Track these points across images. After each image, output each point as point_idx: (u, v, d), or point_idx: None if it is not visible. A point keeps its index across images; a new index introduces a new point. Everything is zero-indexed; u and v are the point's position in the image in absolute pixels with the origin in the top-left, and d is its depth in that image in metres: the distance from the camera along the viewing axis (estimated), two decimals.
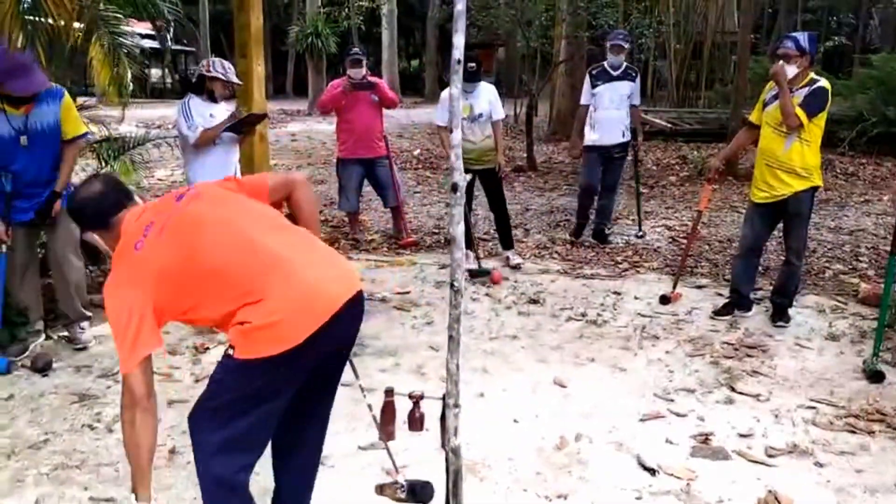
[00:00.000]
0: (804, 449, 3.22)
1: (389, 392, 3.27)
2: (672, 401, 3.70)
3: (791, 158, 4.44)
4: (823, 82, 4.43)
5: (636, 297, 5.31)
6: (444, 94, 6.00)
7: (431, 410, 3.31)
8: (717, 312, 4.89)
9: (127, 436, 2.21)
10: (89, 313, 4.50)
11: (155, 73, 30.77)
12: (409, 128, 16.89)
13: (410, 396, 3.28)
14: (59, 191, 4.24)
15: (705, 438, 3.31)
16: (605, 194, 6.83)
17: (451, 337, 1.73)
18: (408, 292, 5.41)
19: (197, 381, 3.91)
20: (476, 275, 5.74)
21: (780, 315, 4.75)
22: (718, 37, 18.96)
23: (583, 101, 6.75)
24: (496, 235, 6.49)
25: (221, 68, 5.10)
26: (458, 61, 1.58)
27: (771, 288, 5.02)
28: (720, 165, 5.09)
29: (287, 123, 18.55)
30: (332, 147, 13.74)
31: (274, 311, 2.04)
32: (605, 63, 6.63)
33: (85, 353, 4.27)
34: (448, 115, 5.14)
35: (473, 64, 5.85)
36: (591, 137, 6.64)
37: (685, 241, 6.15)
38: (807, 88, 4.39)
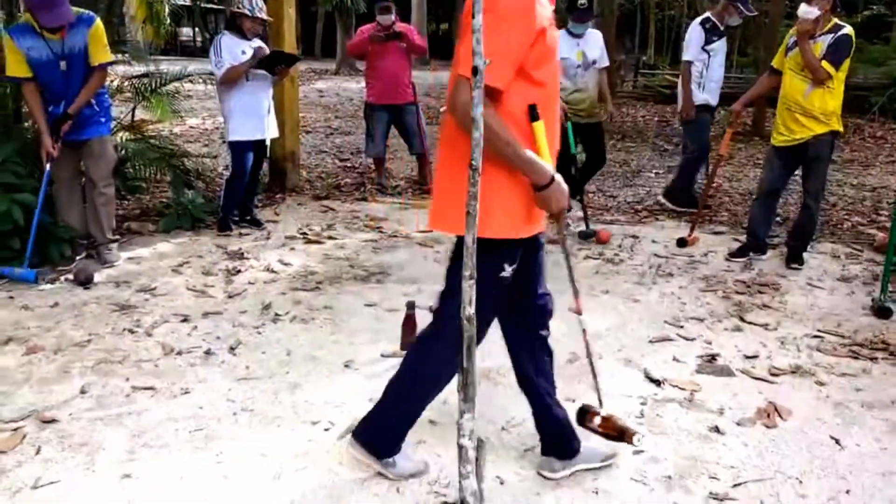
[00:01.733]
0: (807, 370, 3.36)
1: (411, 305, 3.45)
2: (682, 327, 3.85)
3: (812, 103, 4.51)
4: (847, 29, 4.47)
5: (654, 241, 5.43)
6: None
7: None
8: (733, 254, 5.00)
9: (496, 139, 2.03)
10: (116, 236, 4.77)
11: (185, 31, 30.93)
12: (437, 87, 16.95)
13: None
14: (72, 113, 4.36)
15: (711, 358, 3.46)
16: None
17: (468, 213, 1.85)
18: (431, 232, 5.57)
19: (230, 297, 4.12)
20: (585, 236, 5.43)
21: (794, 258, 4.85)
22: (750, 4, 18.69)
23: (690, 56, 5.96)
24: None
25: (249, 4, 5.17)
26: None
27: (787, 235, 5.11)
28: (740, 108, 5.16)
29: (315, 81, 18.68)
30: (358, 103, 13.88)
31: None
32: (714, 16, 5.99)
33: (123, 270, 4.50)
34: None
35: (584, 2, 5.37)
36: (700, 97, 6.01)
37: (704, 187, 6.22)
38: (830, 36, 4.44)
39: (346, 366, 3.31)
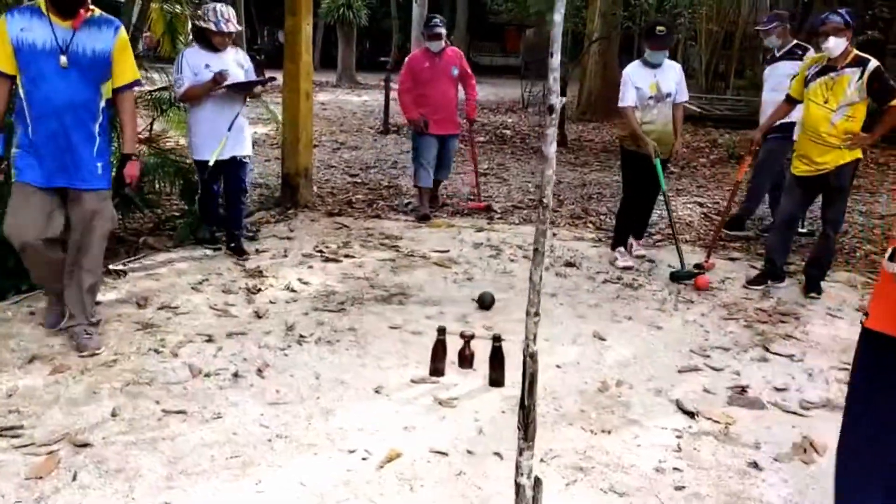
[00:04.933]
0: (838, 404, 3.35)
1: (441, 331, 3.43)
2: (708, 356, 3.84)
3: (836, 134, 4.53)
4: (874, 61, 4.49)
5: (670, 266, 5.42)
6: (629, 70, 5.22)
7: (480, 353, 3.49)
8: (751, 282, 5.01)
9: None
10: (97, 319, 3.77)
11: None
12: None
13: (462, 336, 3.44)
14: (130, 152, 3.69)
15: (742, 390, 3.45)
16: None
17: (536, 250, 1.84)
18: (447, 251, 5.57)
19: (253, 317, 4.09)
20: (679, 278, 4.99)
21: (812, 287, 4.86)
22: (750, 27, 18.85)
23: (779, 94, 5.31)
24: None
25: (214, 16, 4.70)
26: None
27: (803, 262, 5.13)
28: (760, 137, 5.18)
29: (316, 94, 18.67)
30: (362, 117, 13.92)
31: None
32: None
33: (143, 287, 4.45)
34: (632, 95, 5.13)
35: (663, 28, 5.11)
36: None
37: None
38: (858, 69, 4.45)
39: (377, 391, 3.28)
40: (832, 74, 4.57)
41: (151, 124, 5.55)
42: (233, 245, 5.18)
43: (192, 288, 4.48)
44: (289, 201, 6.63)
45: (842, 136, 4.54)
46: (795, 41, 6.02)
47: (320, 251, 5.39)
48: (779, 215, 5.05)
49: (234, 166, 5.08)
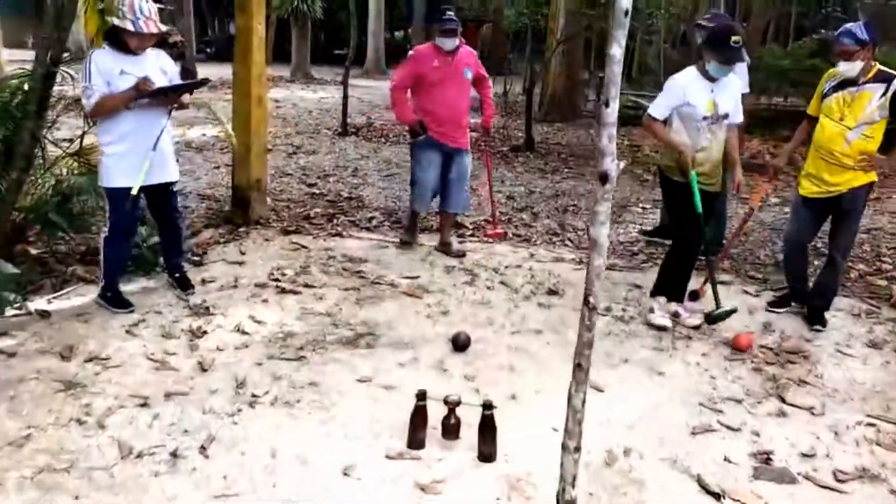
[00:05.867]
0: (875, 473, 2.94)
1: (421, 396, 2.92)
2: (721, 412, 3.40)
3: (851, 154, 4.14)
4: None
5: None
6: (682, 81, 4.19)
7: (467, 417, 2.97)
8: (773, 304, 4.73)
9: None
10: None
11: None
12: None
13: (446, 402, 2.93)
14: None
15: (767, 458, 3.01)
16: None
17: (578, 365, 1.37)
18: (417, 277, 5.04)
19: (196, 370, 3.51)
20: (716, 319, 4.33)
21: (817, 319, 4.47)
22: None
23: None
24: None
25: (131, 12, 3.85)
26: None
27: (808, 294, 4.74)
28: (784, 164, 4.76)
29: (269, 90, 17.93)
30: (318, 116, 13.27)
31: None
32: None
33: (68, 332, 3.84)
34: (667, 108, 4.08)
35: (739, 38, 4.07)
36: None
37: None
38: (882, 85, 4.05)
39: (346, 473, 2.76)
40: (851, 90, 4.17)
41: (82, 137, 4.88)
42: (176, 276, 4.51)
43: (127, 332, 3.88)
44: (240, 218, 6.02)
45: (857, 156, 4.15)
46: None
47: (276, 279, 4.82)
48: (787, 242, 4.66)
49: (162, 195, 4.26)
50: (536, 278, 5.10)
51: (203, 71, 17.88)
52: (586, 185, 8.42)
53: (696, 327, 4.37)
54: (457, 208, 5.61)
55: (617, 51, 1.19)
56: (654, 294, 4.53)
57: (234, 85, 5.98)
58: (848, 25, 4.25)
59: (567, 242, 6.15)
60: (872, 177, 4.23)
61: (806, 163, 4.45)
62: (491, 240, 6.00)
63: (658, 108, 4.21)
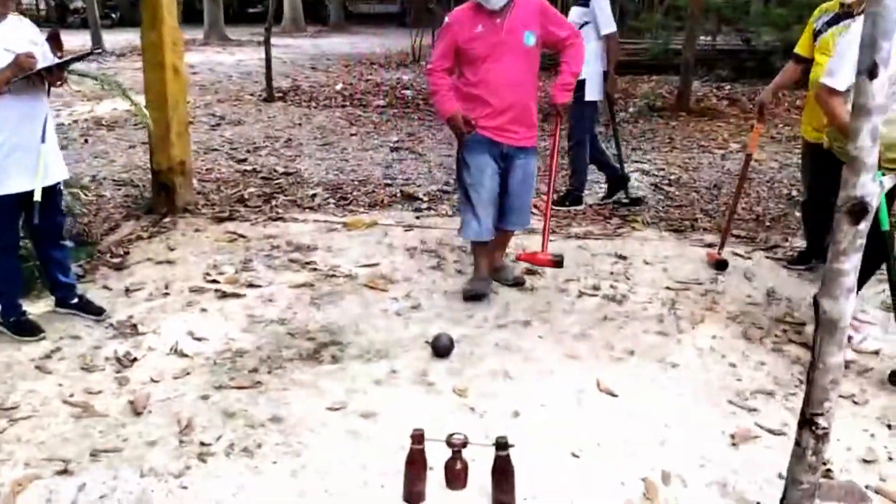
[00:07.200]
0: None
1: (418, 438, 2.35)
2: (755, 410, 2.94)
3: None
4: None
5: (646, 262, 4.53)
6: (855, 30, 2.91)
7: (473, 452, 2.41)
8: (793, 261, 4.42)
9: None
10: None
11: None
12: (321, 59, 15.48)
13: (449, 443, 2.37)
14: None
15: (827, 471, 2.56)
16: None
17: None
18: (376, 264, 4.43)
19: (137, 412, 2.84)
20: None
21: None
22: None
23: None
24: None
25: None
26: None
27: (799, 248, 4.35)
28: (769, 99, 4.31)
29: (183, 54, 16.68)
30: (239, 81, 12.28)
31: None
32: None
33: None
34: (853, 70, 2.62)
35: None
36: None
37: (667, 188, 5.39)
38: None
39: None
40: (847, 22, 3.73)
41: None
42: (74, 302, 3.64)
43: (38, 367, 3.17)
44: (164, 206, 5.26)
45: None
46: None
47: (213, 280, 4.14)
48: (807, 190, 4.33)
49: (50, 195, 3.37)
50: (510, 255, 4.54)
51: (110, 39, 16.49)
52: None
53: (874, 353, 3.42)
54: (517, 225, 4.11)
55: None
56: None
57: (145, 54, 5.17)
58: None
59: (534, 211, 5.59)
60: None
61: (805, 107, 4.04)
62: (537, 266, 4.28)
63: (842, 76, 3.07)
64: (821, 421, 0.92)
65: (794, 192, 5.83)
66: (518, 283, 4.14)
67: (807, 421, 0.93)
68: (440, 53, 3.78)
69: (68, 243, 3.83)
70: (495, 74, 3.67)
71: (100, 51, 3.61)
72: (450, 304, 3.91)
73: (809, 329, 3.60)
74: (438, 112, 3.95)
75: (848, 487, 2.47)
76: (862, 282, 3.19)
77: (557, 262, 4.07)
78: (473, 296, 3.91)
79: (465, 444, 2.35)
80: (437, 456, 2.39)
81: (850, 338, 2.99)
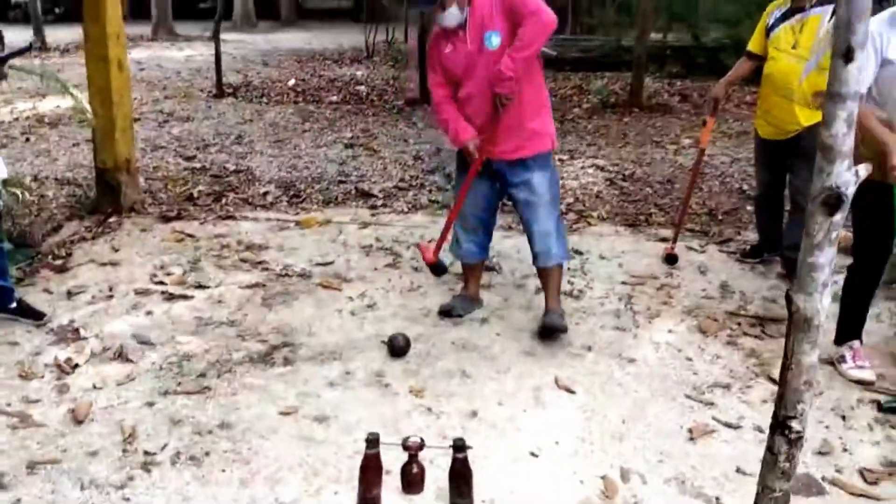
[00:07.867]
0: None
1: (373, 441, 2.27)
2: (712, 404, 2.93)
3: (807, 89, 3.72)
4: None
5: (602, 257, 4.51)
6: (873, 28, 2.79)
7: (434, 458, 2.34)
8: (746, 255, 4.45)
9: None
10: None
11: None
12: (273, 55, 15.25)
13: (405, 447, 2.30)
14: None
15: None
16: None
17: None
18: (331, 262, 4.34)
19: (79, 421, 2.71)
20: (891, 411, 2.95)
21: (794, 269, 4.06)
22: None
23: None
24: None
25: None
26: None
27: (780, 245, 4.34)
28: (723, 93, 4.30)
29: (130, 51, 16.26)
30: (188, 77, 12.02)
31: None
32: None
33: None
34: (868, 70, 2.50)
35: None
36: None
37: (621, 183, 5.40)
38: (829, 7, 3.61)
39: None
40: (799, 16, 3.76)
41: None
42: (13, 307, 3.47)
43: None
44: (109, 205, 5.08)
45: (809, 92, 3.72)
46: None
47: (160, 282, 4.00)
48: (760, 187, 4.32)
49: None
50: (502, 272, 4.45)
51: (53, 34, 16.02)
52: None
53: (868, 383, 3.09)
54: (547, 260, 3.48)
55: None
56: (841, 340, 3.26)
57: (87, 48, 4.98)
58: None
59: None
60: None
61: (759, 103, 4.06)
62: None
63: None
64: (794, 424, 0.89)
65: (746, 187, 5.89)
66: (560, 330, 3.43)
67: (779, 424, 0.89)
68: (430, 67, 3.48)
69: (6, 245, 3.66)
70: (472, 88, 3.32)
71: (31, 46, 3.38)
72: (406, 302, 3.84)
73: (774, 325, 3.64)
74: (452, 141, 3.47)
75: (804, 480, 2.47)
76: (870, 289, 3.20)
77: (434, 270, 3.72)
78: (445, 312, 3.67)
79: (421, 447, 2.28)
80: (393, 460, 2.33)
81: (843, 358, 3.16)
